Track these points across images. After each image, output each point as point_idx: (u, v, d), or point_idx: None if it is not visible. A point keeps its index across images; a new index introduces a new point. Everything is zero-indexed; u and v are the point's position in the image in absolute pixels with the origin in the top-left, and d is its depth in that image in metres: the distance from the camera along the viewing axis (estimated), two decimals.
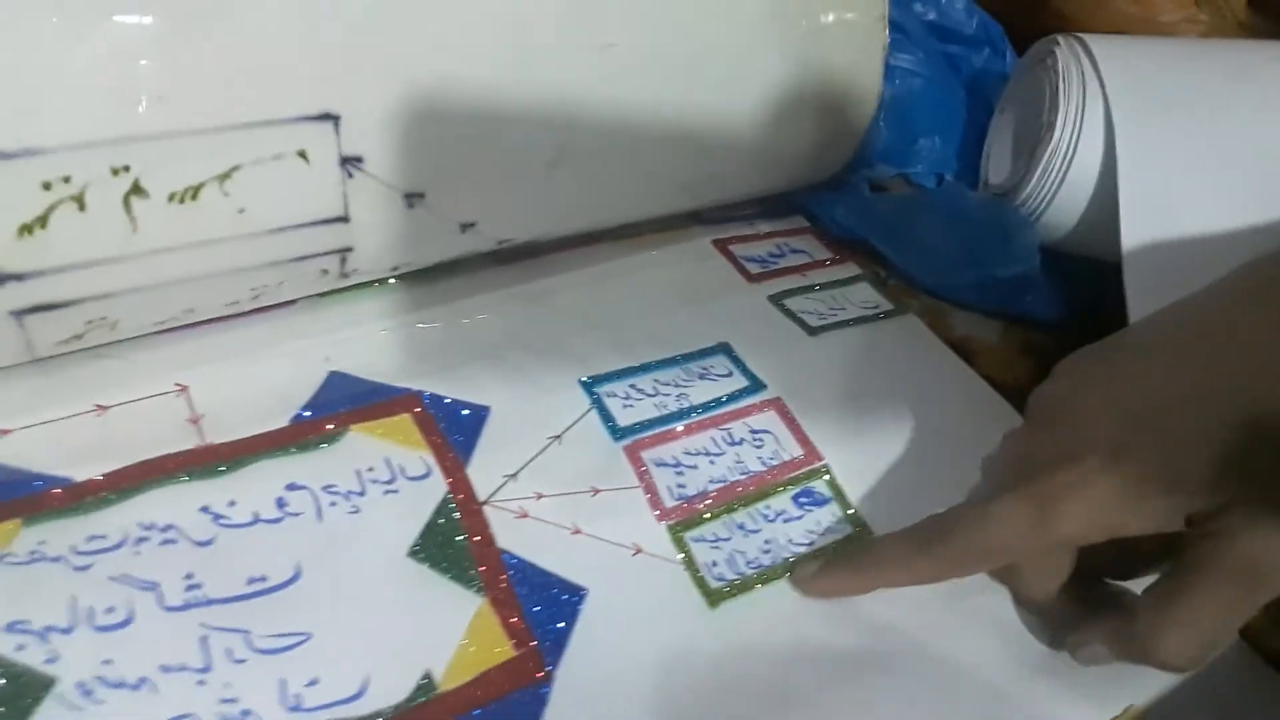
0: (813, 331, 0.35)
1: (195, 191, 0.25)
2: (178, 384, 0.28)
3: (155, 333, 0.29)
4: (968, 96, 0.41)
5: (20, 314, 0.25)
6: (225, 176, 0.25)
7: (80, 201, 0.24)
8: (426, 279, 0.33)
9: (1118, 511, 0.23)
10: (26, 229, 0.23)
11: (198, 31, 0.24)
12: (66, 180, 0.23)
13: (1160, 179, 0.32)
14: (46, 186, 0.23)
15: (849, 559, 0.27)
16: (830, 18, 0.36)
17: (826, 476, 0.30)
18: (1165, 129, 0.32)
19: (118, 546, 0.24)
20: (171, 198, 0.25)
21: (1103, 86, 0.32)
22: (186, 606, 0.23)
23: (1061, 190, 0.34)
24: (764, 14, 0.34)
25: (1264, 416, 0.22)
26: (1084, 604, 0.27)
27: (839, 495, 0.30)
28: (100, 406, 0.28)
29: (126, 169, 0.24)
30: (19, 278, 0.24)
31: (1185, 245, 0.31)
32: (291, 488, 0.26)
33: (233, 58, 0.25)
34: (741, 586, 0.27)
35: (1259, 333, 0.22)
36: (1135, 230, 0.31)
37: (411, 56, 0.27)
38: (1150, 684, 0.27)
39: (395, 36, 0.27)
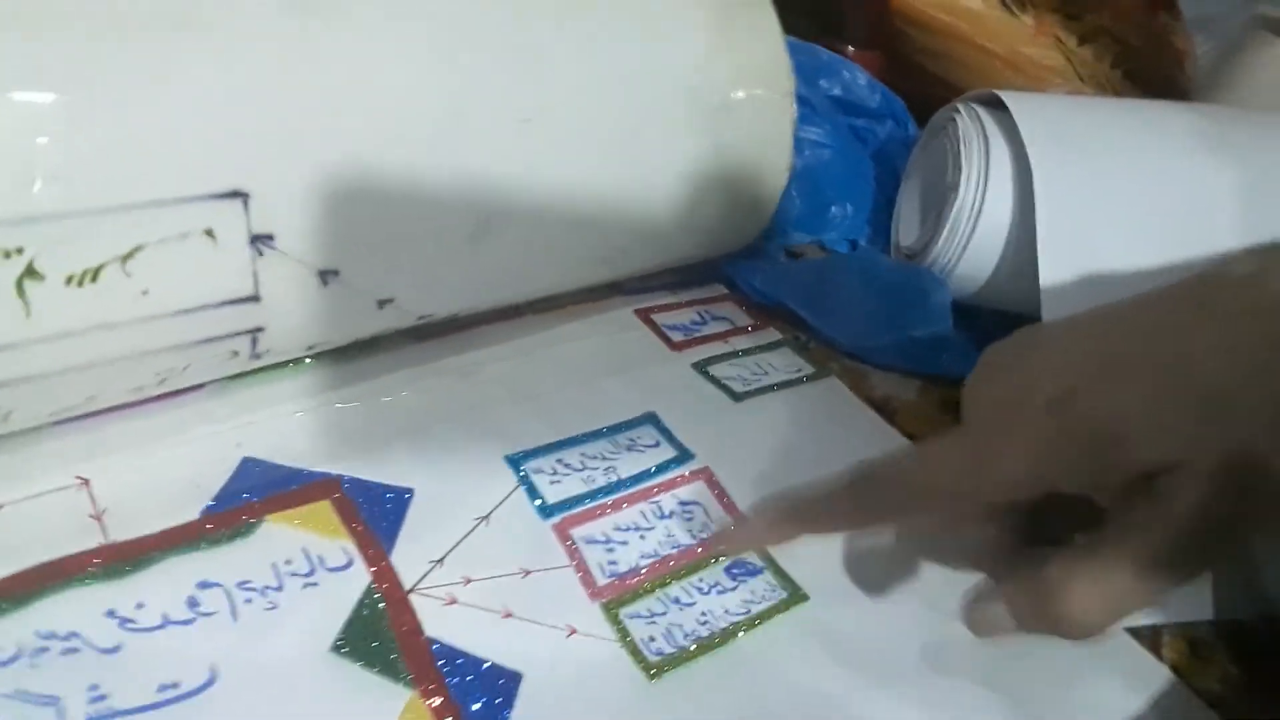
0: (737, 397, 0.35)
1: (95, 273, 0.24)
2: (78, 477, 0.27)
3: (53, 423, 0.28)
4: (875, 166, 0.42)
5: None
6: (128, 257, 0.24)
7: None
8: (343, 357, 0.32)
9: (1054, 461, 0.23)
10: None
11: (99, 108, 0.23)
12: None
13: (1077, 223, 0.33)
14: None
15: (776, 508, 0.27)
16: (740, 94, 0.37)
17: None
18: (1080, 174, 0.33)
19: (12, 661, 0.22)
20: (69, 280, 0.23)
21: (1008, 139, 0.34)
22: None
23: (971, 245, 0.35)
24: (677, 91, 0.35)
25: (1217, 391, 0.21)
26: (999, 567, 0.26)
27: (771, 563, 0.30)
28: None
29: (20, 251, 0.23)
30: None
31: (1103, 288, 0.32)
32: (203, 586, 0.25)
33: (136, 135, 0.24)
34: (681, 658, 0.26)
35: (1212, 320, 0.22)
36: (1054, 273, 0.32)
37: (324, 131, 0.26)
38: None
39: (307, 111, 0.26)
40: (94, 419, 0.28)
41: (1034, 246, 0.33)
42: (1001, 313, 0.38)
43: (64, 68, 0.23)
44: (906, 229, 0.40)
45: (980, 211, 0.34)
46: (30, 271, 0.23)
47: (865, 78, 0.42)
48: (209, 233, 0.25)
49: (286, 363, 0.31)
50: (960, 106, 0.37)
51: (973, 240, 0.35)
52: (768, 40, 0.36)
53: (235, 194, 0.25)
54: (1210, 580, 0.30)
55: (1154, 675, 0.29)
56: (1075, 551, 0.23)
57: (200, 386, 0.30)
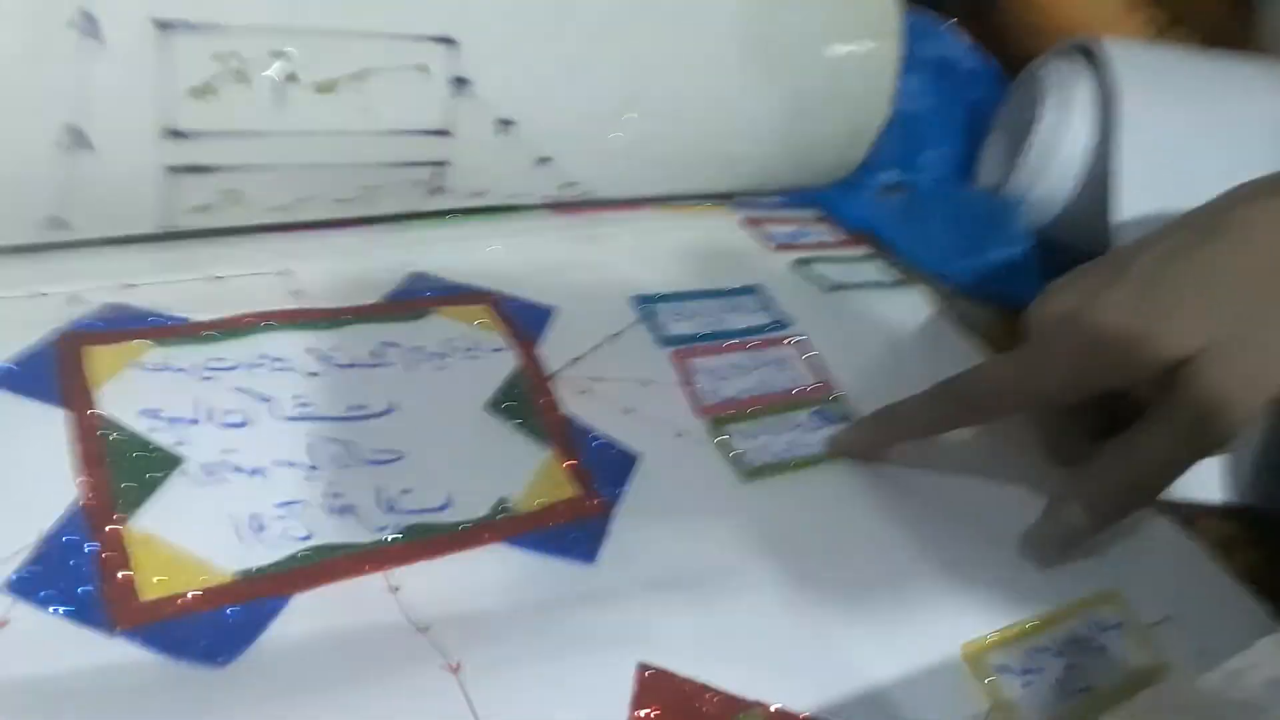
0: (831, 288, 0.39)
1: (333, 86, 0.30)
2: (283, 268, 0.32)
3: (263, 229, 0.33)
4: (967, 118, 0.46)
5: (175, 171, 0.29)
6: (360, 77, 0.30)
7: (243, 76, 0.28)
8: (493, 215, 0.37)
9: (1094, 362, 0.28)
10: (197, 92, 0.28)
11: None
12: (235, 55, 0.28)
13: (1158, 156, 0.36)
14: (219, 58, 0.28)
15: (874, 417, 0.32)
16: (851, 37, 0.42)
17: (838, 401, 0.34)
18: (1167, 110, 0.37)
19: (236, 368, 0.27)
20: (314, 87, 0.29)
21: (1092, 80, 0.37)
22: (297, 418, 0.27)
23: (1047, 172, 0.39)
24: (796, 28, 0.40)
25: (1229, 270, 0.27)
26: None
27: (849, 418, 0.34)
28: (216, 277, 0.31)
29: (284, 54, 0.28)
30: (182, 135, 0.28)
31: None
32: (385, 345, 0.30)
33: None
34: (769, 469, 0.31)
35: (1223, 238, 0.28)
36: (1131, 198, 0.35)
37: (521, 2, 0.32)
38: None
39: None
40: (294, 232, 0.34)
41: (1106, 181, 0.37)
42: (1075, 249, 0.42)
43: None
44: (990, 171, 0.44)
45: (1057, 140, 0.38)
46: (288, 74, 0.29)
47: (964, 43, 0.47)
48: (422, 68, 0.31)
49: (448, 212, 0.37)
50: (1047, 56, 0.41)
51: (1049, 166, 0.39)
52: None
53: (446, 40, 0.31)
54: (1242, 467, 0.34)
55: (1187, 551, 0.33)
56: (1125, 435, 0.28)
57: (380, 222, 0.35)
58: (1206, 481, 0.34)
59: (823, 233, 0.44)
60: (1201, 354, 0.27)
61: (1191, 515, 0.34)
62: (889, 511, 0.30)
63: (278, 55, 0.28)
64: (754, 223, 0.42)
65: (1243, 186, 0.29)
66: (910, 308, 0.40)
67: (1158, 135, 0.37)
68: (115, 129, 0.27)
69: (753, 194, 0.44)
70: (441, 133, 0.32)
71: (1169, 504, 0.33)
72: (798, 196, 0.45)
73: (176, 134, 0.28)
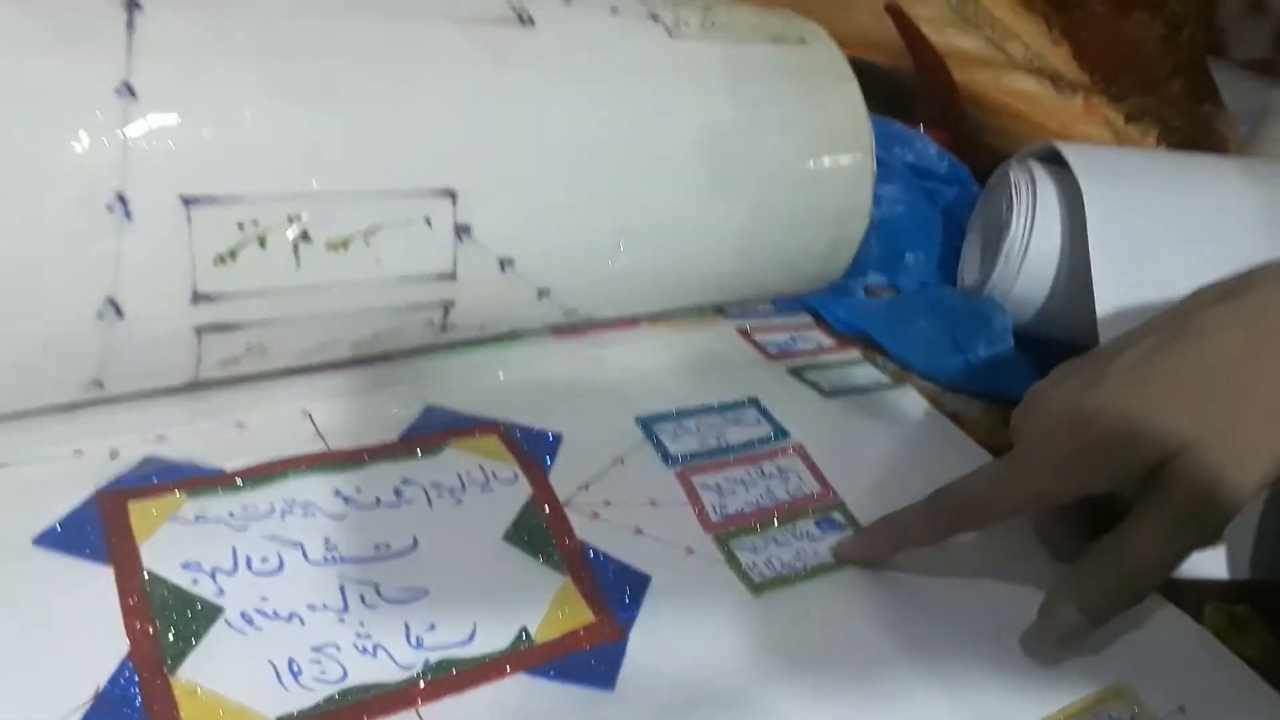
0: (827, 395, 0.41)
1: (346, 243, 0.32)
2: (303, 410, 0.34)
3: (283, 374, 0.35)
4: (944, 221, 0.49)
5: (202, 330, 0.31)
6: (369, 233, 0.32)
7: (262, 241, 0.30)
8: (501, 345, 0.39)
9: (1076, 472, 0.29)
10: (221, 259, 0.30)
11: (356, 121, 0.32)
12: (255, 223, 0.30)
13: (1128, 248, 0.38)
14: (240, 226, 0.30)
15: (875, 528, 0.33)
16: (828, 151, 0.44)
17: (841, 507, 0.36)
18: (1129, 204, 0.39)
19: (267, 515, 0.29)
20: (328, 245, 0.31)
21: (1056, 180, 0.40)
22: (326, 562, 0.28)
23: (1022, 272, 0.41)
24: (775, 147, 0.42)
25: (1200, 371, 0.28)
26: None
27: (853, 523, 0.35)
28: (241, 424, 0.33)
29: (299, 218, 0.31)
30: (209, 299, 0.30)
31: (1156, 304, 0.36)
32: (406, 483, 0.31)
33: (381, 143, 0.32)
34: (779, 581, 0.32)
35: (1199, 336, 0.29)
36: (1108, 292, 0.37)
37: (512, 151, 0.34)
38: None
39: (502, 135, 0.34)
40: (312, 374, 0.36)
41: (1081, 275, 0.39)
42: (1058, 342, 0.44)
43: (332, 90, 0.31)
44: (969, 271, 0.46)
45: (1029, 242, 0.41)
46: (304, 235, 0.31)
47: (934, 147, 0.50)
48: (427, 220, 0.33)
49: (459, 345, 0.39)
50: (1014, 162, 0.44)
51: (1024, 267, 0.41)
52: (851, 107, 0.44)
53: (447, 192, 0.33)
54: (1245, 541, 0.35)
55: (1196, 639, 0.33)
56: (1110, 535, 0.29)
57: (392, 359, 0.37)
58: (1213, 558, 0.35)
59: (815, 338, 0.46)
60: (1182, 452, 0.28)
61: (1200, 601, 0.35)
62: (894, 619, 0.31)
63: (294, 219, 0.31)
64: (748, 333, 0.44)
65: (1204, 290, 0.31)
66: (904, 408, 0.42)
67: (1122, 231, 0.39)
68: (148, 297, 0.29)
69: (744, 304, 0.46)
70: (448, 276, 0.34)
71: (1176, 590, 0.34)
72: (788, 302, 0.47)
73: (203, 297, 0.30)
